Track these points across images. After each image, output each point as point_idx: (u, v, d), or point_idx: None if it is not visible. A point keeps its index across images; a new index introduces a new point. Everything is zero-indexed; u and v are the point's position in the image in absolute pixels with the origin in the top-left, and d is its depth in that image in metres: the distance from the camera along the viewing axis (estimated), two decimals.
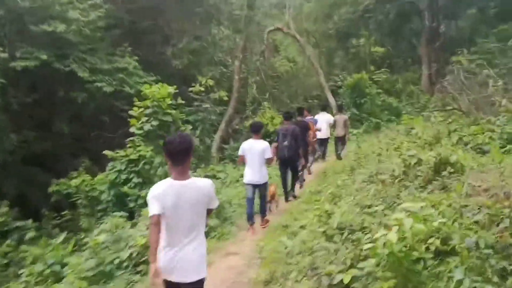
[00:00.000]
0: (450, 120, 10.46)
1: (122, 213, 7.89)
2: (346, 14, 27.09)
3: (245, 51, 21.73)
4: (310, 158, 10.92)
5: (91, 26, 15.28)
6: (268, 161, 7.34)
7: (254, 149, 7.14)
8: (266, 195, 7.59)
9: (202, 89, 14.36)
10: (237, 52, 21.28)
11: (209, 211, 3.39)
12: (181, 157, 3.15)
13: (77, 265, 5.72)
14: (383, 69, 25.47)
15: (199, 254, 3.23)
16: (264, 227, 7.41)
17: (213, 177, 12.45)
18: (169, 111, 10.29)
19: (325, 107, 14.31)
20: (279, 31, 25.02)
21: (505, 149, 7.06)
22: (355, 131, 18.06)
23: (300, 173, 9.58)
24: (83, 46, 15.02)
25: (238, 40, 21.85)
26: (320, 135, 11.48)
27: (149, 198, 3.17)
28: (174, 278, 3.16)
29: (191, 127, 11.12)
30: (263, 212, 7.59)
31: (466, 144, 7.42)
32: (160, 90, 10.36)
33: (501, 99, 11.46)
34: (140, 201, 10.52)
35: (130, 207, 10.62)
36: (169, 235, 3.17)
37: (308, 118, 10.51)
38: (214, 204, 3.41)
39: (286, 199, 8.96)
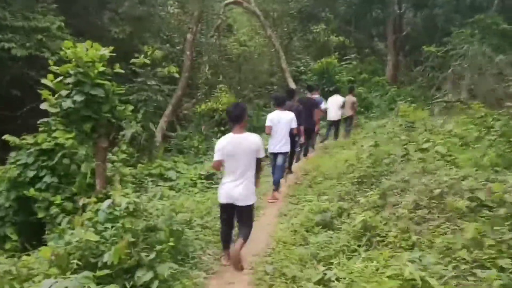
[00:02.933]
0: (476, 114, 8.06)
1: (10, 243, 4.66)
2: None
3: (199, 24, 18.51)
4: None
5: None
6: (294, 131, 7.48)
7: (282, 119, 7.36)
8: (284, 165, 7.68)
9: (148, 61, 11.03)
10: (190, 24, 18.04)
11: (258, 161, 4.77)
12: (237, 119, 4.60)
13: None
14: (352, 56, 23.21)
15: (249, 188, 4.65)
16: (271, 201, 7.35)
17: (160, 176, 9.33)
18: (101, 81, 7.06)
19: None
20: (238, 5, 21.89)
21: None
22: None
23: (298, 150, 9.54)
24: None
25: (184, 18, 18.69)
26: (330, 116, 11.90)
27: (215, 149, 4.62)
28: (233, 202, 4.60)
29: (132, 107, 7.92)
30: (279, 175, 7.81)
31: None
32: (88, 51, 7.12)
33: None
34: (53, 210, 7.33)
35: (39, 217, 7.43)
36: (229, 174, 4.63)
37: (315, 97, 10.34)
38: (261, 154, 4.74)
39: (290, 170, 8.95)
